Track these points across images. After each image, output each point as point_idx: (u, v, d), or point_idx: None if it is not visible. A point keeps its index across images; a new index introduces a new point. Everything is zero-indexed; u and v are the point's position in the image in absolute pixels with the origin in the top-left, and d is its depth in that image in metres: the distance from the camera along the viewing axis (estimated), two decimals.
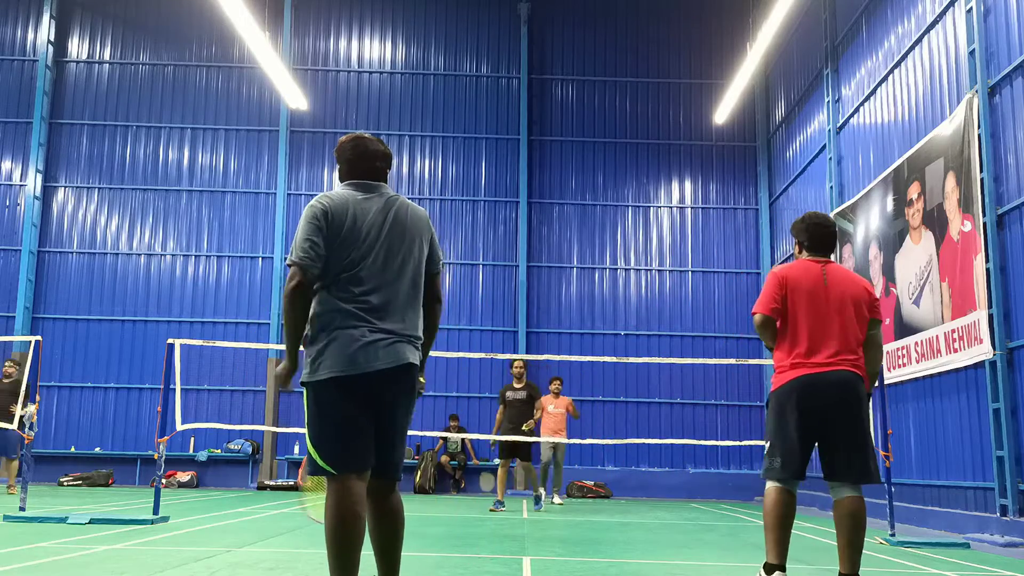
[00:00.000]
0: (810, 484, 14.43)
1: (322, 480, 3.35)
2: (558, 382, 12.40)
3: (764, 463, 4.34)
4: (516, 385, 11.55)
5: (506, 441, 11.06)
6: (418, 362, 3.38)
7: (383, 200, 3.41)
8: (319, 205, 3.32)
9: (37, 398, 8.72)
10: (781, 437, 4.24)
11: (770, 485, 4.32)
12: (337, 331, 3.21)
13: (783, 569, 4.27)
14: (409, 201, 3.53)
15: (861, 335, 4.34)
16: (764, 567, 4.36)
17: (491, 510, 10.81)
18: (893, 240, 11.13)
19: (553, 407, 12.22)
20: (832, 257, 4.58)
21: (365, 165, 3.47)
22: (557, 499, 12.55)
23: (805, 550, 7.24)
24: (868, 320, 4.37)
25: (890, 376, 10.62)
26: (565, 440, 12.00)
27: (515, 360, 11.79)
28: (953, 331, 9.34)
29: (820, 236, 4.51)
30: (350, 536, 3.11)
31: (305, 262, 3.23)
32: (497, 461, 12.29)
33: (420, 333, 3.42)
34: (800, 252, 4.58)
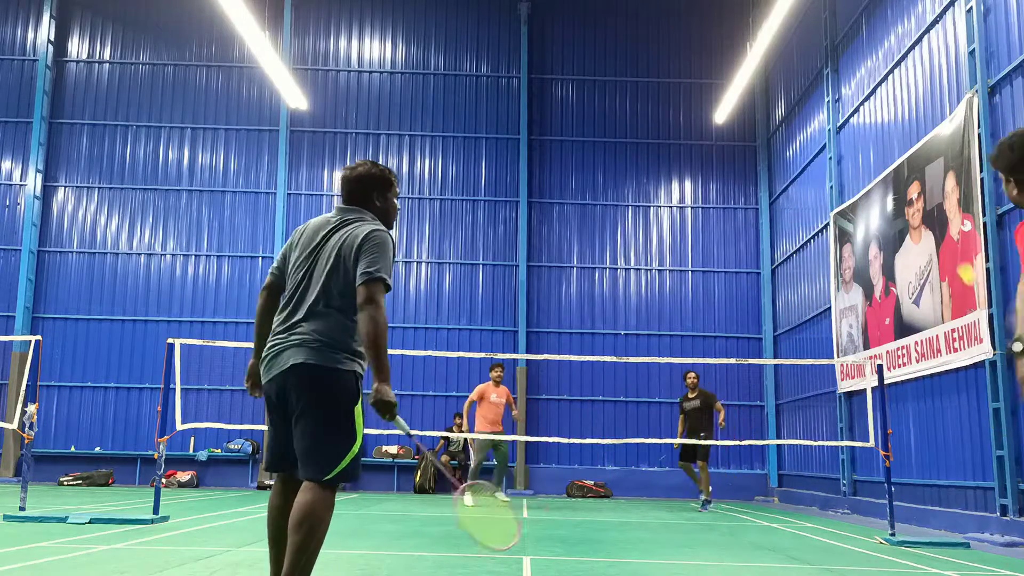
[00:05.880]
0: (811, 484, 14.46)
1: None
2: (500, 369, 12.08)
3: None
4: (691, 395, 12.48)
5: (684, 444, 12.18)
6: (312, 362, 3.45)
7: (336, 222, 3.67)
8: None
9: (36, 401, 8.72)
10: None
11: None
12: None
13: None
14: (361, 223, 3.63)
15: None
16: None
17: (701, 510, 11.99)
18: (893, 240, 11.12)
19: (495, 396, 11.94)
20: None
21: (343, 194, 3.81)
22: (501, 495, 12.27)
23: (806, 550, 7.24)
24: None
25: (890, 376, 10.62)
26: (504, 437, 12.06)
27: (688, 373, 12.66)
28: (953, 331, 9.34)
29: None
30: (267, 524, 3.59)
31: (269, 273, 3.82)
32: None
33: (326, 338, 3.49)
34: None
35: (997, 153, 3.46)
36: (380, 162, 18.80)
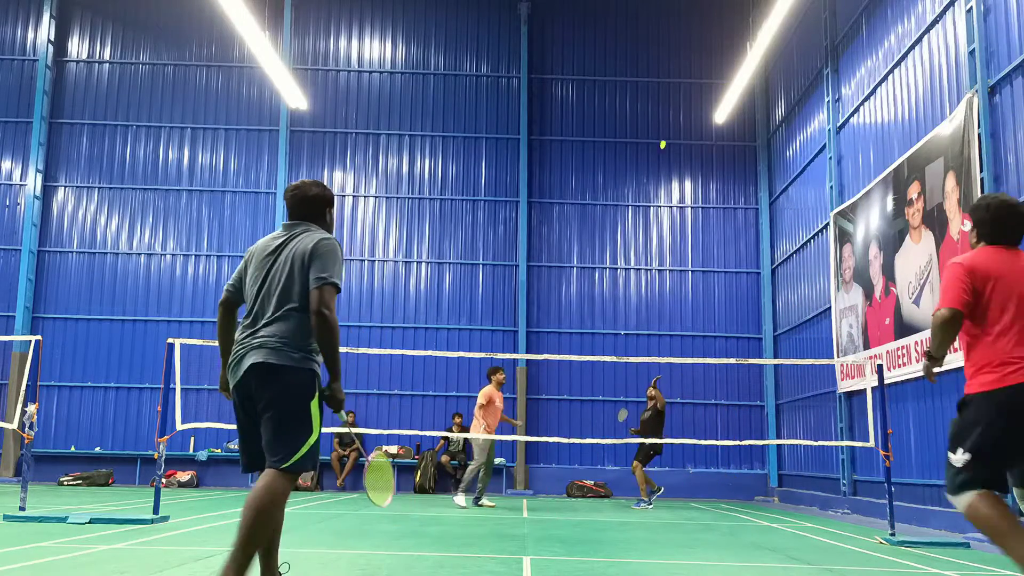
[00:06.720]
0: (811, 484, 14.46)
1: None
2: (502, 373, 11.90)
3: (953, 475, 3.91)
4: (649, 405, 12.85)
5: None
6: (271, 361, 3.70)
7: (285, 236, 3.95)
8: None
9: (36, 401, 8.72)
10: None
11: (970, 496, 3.88)
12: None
13: None
14: (309, 232, 3.93)
15: None
16: None
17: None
18: (893, 240, 11.12)
19: (498, 402, 11.77)
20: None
21: (294, 211, 4.06)
22: (487, 501, 12.04)
23: (806, 550, 7.24)
24: None
25: (890, 376, 10.62)
26: (505, 436, 12.30)
27: (650, 389, 12.96)
28: None
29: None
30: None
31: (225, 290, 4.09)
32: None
33: (284, 339, 3.75)
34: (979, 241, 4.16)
35: (976, 206, 4.16)
36: (380, 162, 18.79)
